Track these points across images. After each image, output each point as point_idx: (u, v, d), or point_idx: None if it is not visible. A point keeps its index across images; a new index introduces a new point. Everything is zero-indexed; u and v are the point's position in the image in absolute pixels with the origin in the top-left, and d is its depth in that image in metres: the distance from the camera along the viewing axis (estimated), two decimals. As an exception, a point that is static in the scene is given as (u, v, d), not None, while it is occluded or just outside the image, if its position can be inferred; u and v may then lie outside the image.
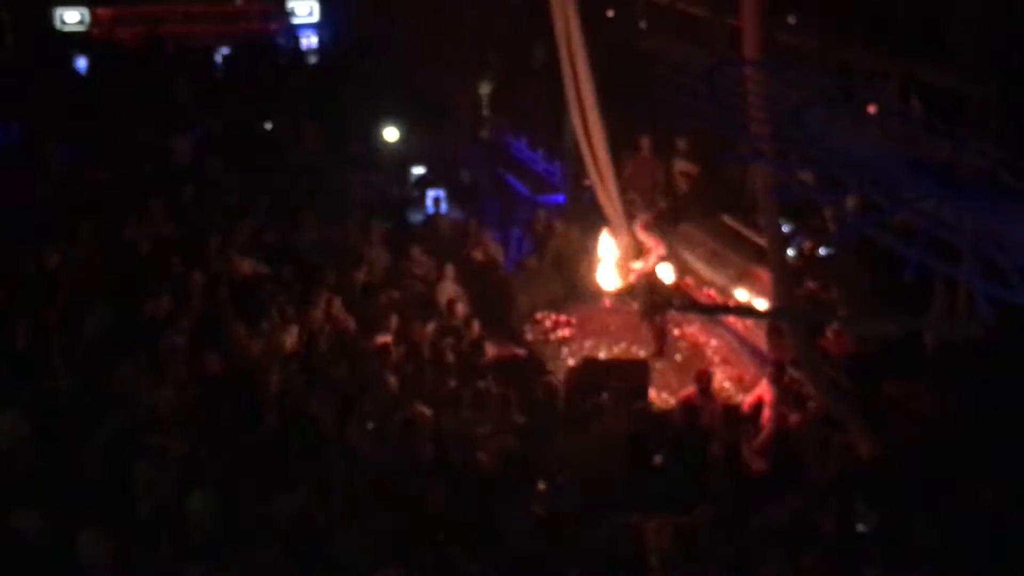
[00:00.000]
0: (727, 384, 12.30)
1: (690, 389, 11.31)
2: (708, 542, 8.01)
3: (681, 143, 15.36)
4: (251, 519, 8.10)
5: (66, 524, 7.77)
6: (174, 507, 8.13)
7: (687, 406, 10.80)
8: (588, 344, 13.27)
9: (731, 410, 11.26)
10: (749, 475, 9.77)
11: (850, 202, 11.35)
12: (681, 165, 15.46)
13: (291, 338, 11.44)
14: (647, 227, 13.12)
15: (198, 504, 8.13)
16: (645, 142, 15.16)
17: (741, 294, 12.75)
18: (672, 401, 11.68)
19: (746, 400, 11.32)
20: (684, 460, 9.54)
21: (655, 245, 13.02)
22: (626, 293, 13.38)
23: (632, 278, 13.15)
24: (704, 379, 11.30)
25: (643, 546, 7.97)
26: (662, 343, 13.03)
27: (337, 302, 12.08)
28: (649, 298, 12.98)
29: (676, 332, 13.39)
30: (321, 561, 7.66)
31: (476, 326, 12.29)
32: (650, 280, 13.04)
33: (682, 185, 15.39)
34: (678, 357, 12.96)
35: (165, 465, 8.65)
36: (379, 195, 16.66)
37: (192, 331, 11.07)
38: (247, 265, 12.92)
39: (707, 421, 10.54)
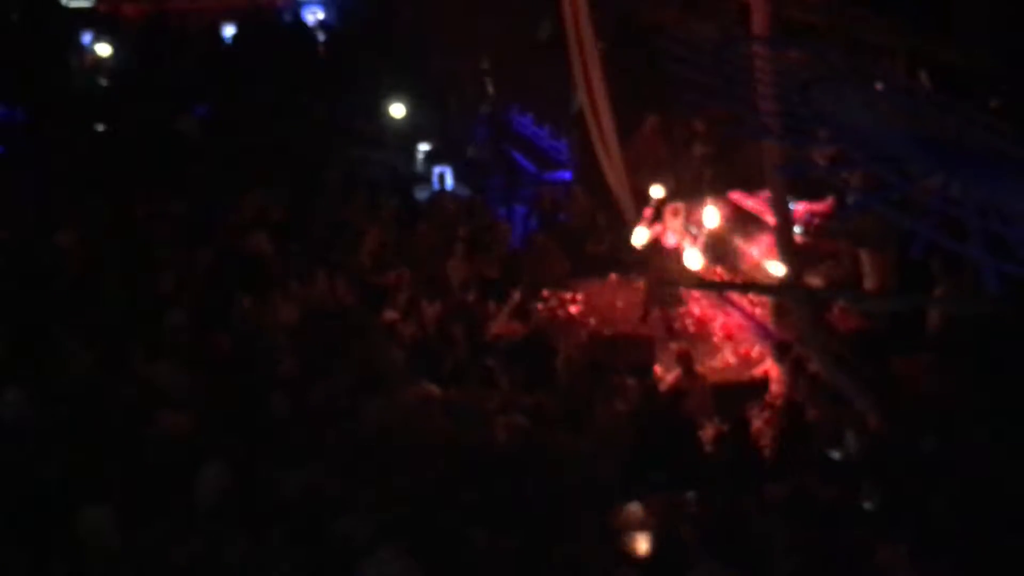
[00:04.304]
0: (733, 362, 12.30)
1: (675, 371, 11.33)
2: (708, 520, 8.03)
3: (698, 122, 15.29)
4: (258, 496, 8.12)
5: (74, 501, 7.82)
6: (182, 484, 8.16)
7: (671, 388, 10.82)
8: (594, 321, 13.27)
9: (722, 389, 11.26)
10: (753, 453, 9.79)
11: (857, 178, 11.32)
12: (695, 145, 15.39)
13: (296, 314, 11.46)
14: (676, 213, 13.04)
15: (204, 480, 8.16)
16: (651, 121, 15.10)
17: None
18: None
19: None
20: (677, 442, 9.56)
21: (678, 233, 12.96)
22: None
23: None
24: (686, 360, 11.28)
25: (644, 527, 7.99)
26: (670, 327, 12.98)
27: (341, 279, 12.10)
28: (658, 285, 12.96)
29: (682, 310, 13.37)
30: (327, 539, 7.69)
31: (483, 303, 12.30)
32: (661, 266, 13.03)
33: (693, 163, 15.34)
34: (685, 334, 12.96)
35: (173, 442, 8.68)
36: (386, 171, 16.66)
37: (197, 308, 11.10)
38: (254, 241, 12.94)
39: (695, 402, 10.54)
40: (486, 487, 8.42)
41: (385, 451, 8.90)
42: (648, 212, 13.02)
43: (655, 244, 12.99)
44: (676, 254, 12.89)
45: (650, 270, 13.11)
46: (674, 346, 12.27)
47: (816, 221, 12.73)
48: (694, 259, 12.84)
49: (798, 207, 12.27)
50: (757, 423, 10.26)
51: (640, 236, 13.05)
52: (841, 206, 12.33)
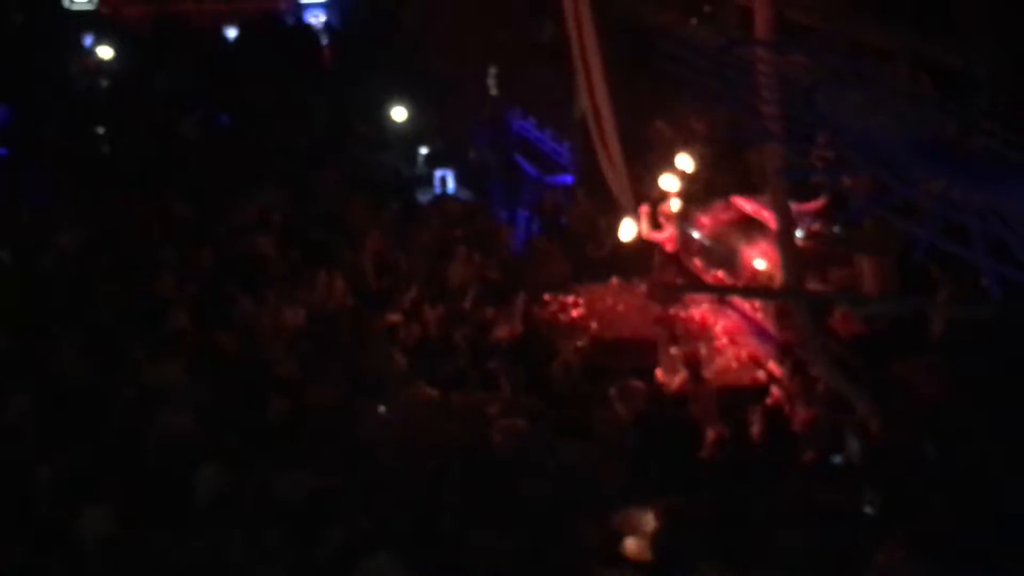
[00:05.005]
0: (734, 365, 12.28)
1: (682, 374, 11.31)
2: (707, 523, 8.02)
3: (697, 124, 15.29)
4: (256, 498, 8.12)
5: (75, 501, 7.82)
6: (181, 483, 8.17)
7: (677, 392, 10.81)
8: (596, 325, 13.26)
9: (727, 392, 11.25)
10: (753, 456, 9.77)
11: (859, 182, 11.31)
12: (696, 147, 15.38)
13: (297, 316, 11.47)
14: (668, 214, 13.08)
15: (204, 481, 8.16)
16: (664, 125, 15.12)
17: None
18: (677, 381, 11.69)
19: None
20: (682, 443, 9.55)
21: (671, 231, 13.01)
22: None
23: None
24: (694, 363, 11.27)
25: (646, 530, 7.98)
26: (670, 328, 13.00)
27: (340, 280, 12.11)
28: (660, 283, 12.99)
29: (683, 314, 13.36)
30: (325, 541, 7.68)
31: (485, 307, 12.30)
32: (663, 265, 13.06)
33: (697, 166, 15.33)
34: (686, 337, 12.94)
35: (174, 443, 8.69)
36: (388, 174, 16.68)
37: (197, 309, 11.11)
38: (256, 243, 12.95)
39: (700, 405, 10.53)
40: (485, 490, 8.42)
41: (384, 454, 8.90)
42: (645, 210, 13.07)
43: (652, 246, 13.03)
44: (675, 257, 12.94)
45: (651, 274, 13.13)
46: (675, 350, 12.26)
47: (815, 226, 12.73)
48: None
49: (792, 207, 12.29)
50: (757, 426, 10.23)
51: (627, 230, 13.13)
52: (836, 207, 12.33)
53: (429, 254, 13.58)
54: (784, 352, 11.24)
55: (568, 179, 16.91)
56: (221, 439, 8.79)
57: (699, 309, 13.39)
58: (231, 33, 22.79)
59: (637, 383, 10.77)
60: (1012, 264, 5.49)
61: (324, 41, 23.23)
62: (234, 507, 7.96)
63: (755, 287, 12.58)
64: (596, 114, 13.76)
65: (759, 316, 12.66)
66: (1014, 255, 5.53)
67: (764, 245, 12.71)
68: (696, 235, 13.84)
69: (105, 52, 21.06)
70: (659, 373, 11.78)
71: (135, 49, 21.12)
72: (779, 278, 11.84)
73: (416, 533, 7.70)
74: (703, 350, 12.27)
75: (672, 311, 13.11)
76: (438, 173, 16.86)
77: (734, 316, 13.09)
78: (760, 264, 12.70)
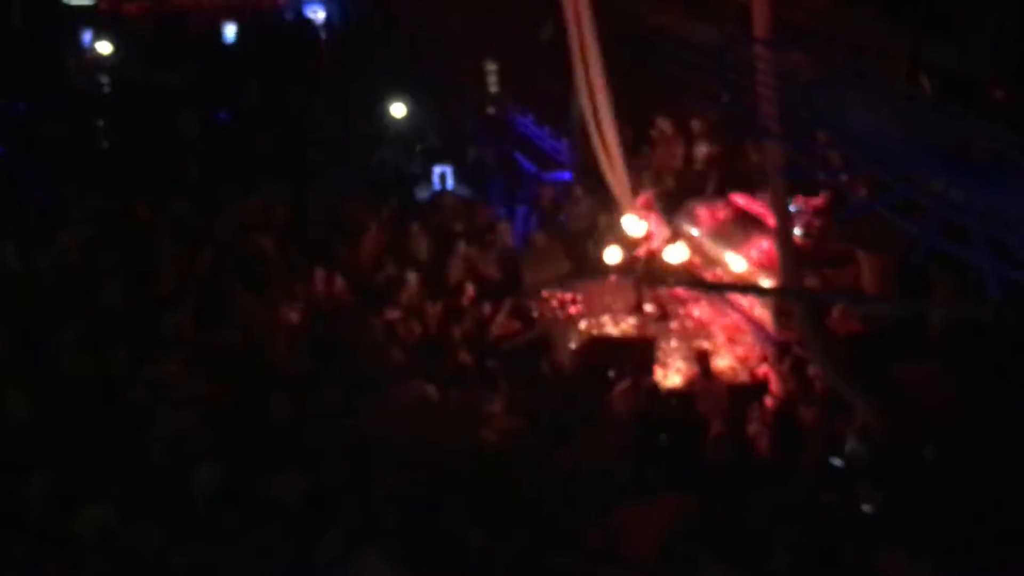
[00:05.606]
0: (734, 364, 12.28)
1: (691, 371, 11.32)
2: (708, 523, 8.03)
3: (697, 123, 15.29)
4: (256, 497, 8.12)
5: (75, 500, 7.83)
6: (181, 482, 8.17)
7: (685, 389, 10.81)
8: (594, 322, 13.26)
9: (735, 390, 11.26)
10: (753, 456, 9.78)
11: (858, 182, 11.32)
12: (702, 146, 15.39)
13: (297, 314, 11.47)
14: (649, 206, 13.11)
15: (203, 480, 8.16)
16: (665, 123, 15.07)
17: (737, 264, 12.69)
18: (677, 380, 11.69)
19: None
20: (684, 442, 9.56)
21: (657, 224, 13.01)
22: (628, 270, 13.41)
23: (635, 255, 13.17)
24: (704, 360, 11.29)
25: (644, 530, 7.99)
26: (663, 310, 13.04)
27: (339, 277, 12.12)
28: (648, 273, 13.01)
29: (682, 311, 13.37)
30: (324, 541, 7.68)
31: (483, 304, 12.30)
32: (651, 259, 13.06)
33: (701, 164, 15.34)
34: (684, 335, 12.95)
35: (174, 441, 8.69)
36: (387, 171, 16.68)
37: (197, 307, 11.12)
38: (256, 241, 12.95)
39: (709, 403, 10.54)
40: (485, 490, 8.42)
41: (382, 452, 8.90)
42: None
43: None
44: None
45: (641, 270, 13.14)
46: (676, 349, 12.26)
47: (816, 223, 12.73)
48: (679, 252, 12.94)
49: (794, 202, 12.30)
50: (757, 426, 10.23)
51: (612, 255, 13.22)
52: (839, 204, 12.32)
53: (428, 251, 13.59)
54: (783, 351, 11.24)
55: (566, 176, 16.90)
56: (221, 438, 8.80)
57: (698, 307, 13.40)
58: (230, 29, 22.76)
59: (642, 380, 10.79)
60: (1011, 264, 5.51)
61: (323, 37, 23.20)
62: (234, 506, 7.96)
63: (754, 285, 12.58)
64: (595, 112, 13.74)
65: (758, 314, 12.66)
66: (1013, 255, 5.54)
67: (762, 243, 12.72)
68: (695, 232, 13.85)
69: (104, 48, 21.04)
70: (656, 372, 11.79)
71: (134, 45, 21.10)
72: (756, 276, 11.84)
73: (416, 533, 7.70)
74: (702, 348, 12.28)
75: (669, 309, 13.11)
76: (437, 170, 16.84)
77: (733, 314, 13.08)
78: (739, 266, 12.69)
